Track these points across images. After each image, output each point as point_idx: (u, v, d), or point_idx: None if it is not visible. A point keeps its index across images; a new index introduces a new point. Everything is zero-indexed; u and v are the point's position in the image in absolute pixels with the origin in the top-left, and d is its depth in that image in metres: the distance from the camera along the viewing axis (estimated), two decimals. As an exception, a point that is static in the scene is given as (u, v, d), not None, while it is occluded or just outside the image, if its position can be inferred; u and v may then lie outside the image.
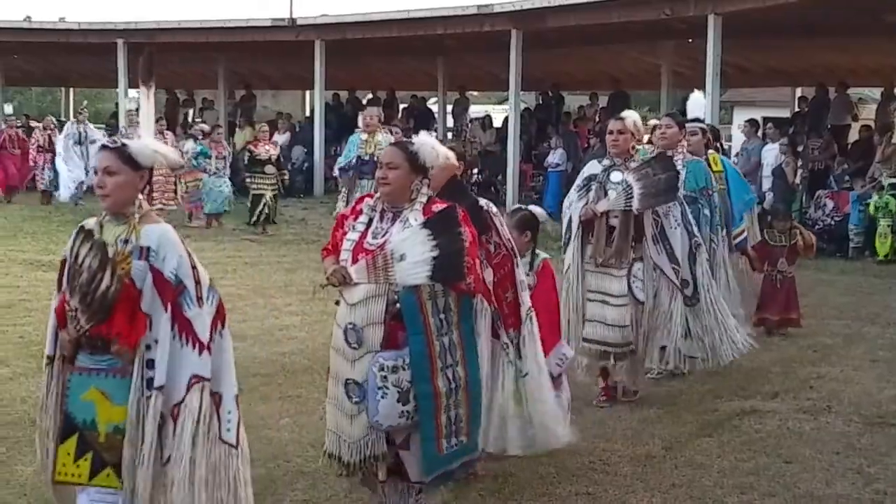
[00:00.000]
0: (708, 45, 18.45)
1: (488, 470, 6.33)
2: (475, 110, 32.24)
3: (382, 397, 5.11)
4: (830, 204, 18.19)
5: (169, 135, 21.14)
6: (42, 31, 29.39)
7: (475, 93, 36.29)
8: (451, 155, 5.61)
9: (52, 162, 23.15)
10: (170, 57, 29.92)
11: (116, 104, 29.61)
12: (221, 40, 27.33)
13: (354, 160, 13.71)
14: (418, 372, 5.14)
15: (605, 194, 7.72)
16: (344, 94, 30.27)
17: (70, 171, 22.31)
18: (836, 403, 8.22)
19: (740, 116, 34.10)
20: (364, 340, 5.16)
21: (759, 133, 21.30)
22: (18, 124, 25.87)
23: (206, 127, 22.00)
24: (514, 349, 5.97)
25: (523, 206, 7.22)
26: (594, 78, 29.04)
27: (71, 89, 38.85)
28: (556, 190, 21.28)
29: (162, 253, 4.53)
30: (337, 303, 5.34)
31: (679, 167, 8.19)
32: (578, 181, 8.05)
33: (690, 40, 21.75)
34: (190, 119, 25.74)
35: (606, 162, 7.90)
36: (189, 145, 20.10)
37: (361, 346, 5.16)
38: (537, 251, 6.82)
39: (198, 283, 4.58)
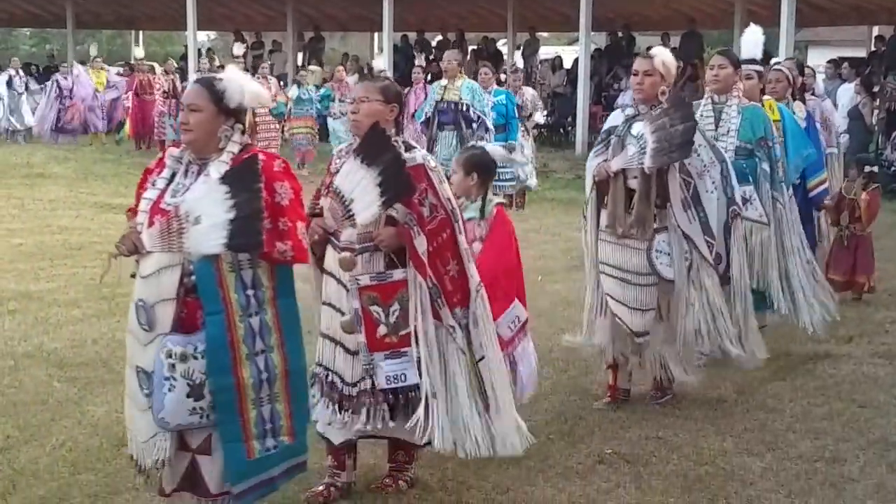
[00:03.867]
0: (783, -19, 18.09)
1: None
2: (545, 52, 31.97)
3: (169, 390, 4.35)
4: (907, 146, 17.80)
5: (273, 80, 20.99)
6: (112, -26, 29.53)
7: (545, 34, 35.98)
8: (263, 93, 4.75)
9: (178, 109, 22.61)
10: (238, -1, 30.07)
11: (185, 47, 29.68)
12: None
13: (430, 109, 13.47)
14: (215, 360, 4.37)
15: (623, 150, 6.55)
16: (412, 36, 30.14)
17: None
18: (912, 348, 8.07)
19: (815, 56, 33.52)
20: (155, 321, 4.39)
21: (838, 73, 20.97)
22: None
23: (315, 68, 21.75)
24: (463, 332, 5.10)
25: (477, 146, 6.46)
26: (666, 17, 28.62)
27: (140, 32, 39.04)
28: (626, 132, 21.05)
29: None
30: (133, 275, 4.57)
31: (734, 114, 7.35)
32: (600, 136, 6.95)
33: (765, -23, 21.36)
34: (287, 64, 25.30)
35: (630, 111, 6.75)
36: (294, 91, 19.95)
37: (153, 327, 4.40)
38: (489, 197, 5.94)
39: None
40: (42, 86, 25.70)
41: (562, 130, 25.37)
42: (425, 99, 14.72)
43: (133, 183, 4.97)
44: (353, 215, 4.88)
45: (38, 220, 13.79)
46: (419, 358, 5.01)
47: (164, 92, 23.24)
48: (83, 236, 12.32)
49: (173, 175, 4.58)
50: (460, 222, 5.20)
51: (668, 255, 6.49)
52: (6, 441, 6.00)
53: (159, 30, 42.46)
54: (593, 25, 22.54)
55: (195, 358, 4.36)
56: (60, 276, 10.20)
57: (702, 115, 7.36)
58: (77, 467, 5.58)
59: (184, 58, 28.19)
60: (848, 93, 19.09)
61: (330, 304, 5.19)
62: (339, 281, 5.13)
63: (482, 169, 5.88)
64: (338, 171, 5.04)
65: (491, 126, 13.35)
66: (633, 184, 6.49)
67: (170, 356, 4.34)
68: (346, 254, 5.01)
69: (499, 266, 5.75)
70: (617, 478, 5.65)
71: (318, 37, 31.27)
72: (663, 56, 6.60)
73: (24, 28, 49.39)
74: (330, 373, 5.17)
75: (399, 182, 4.90)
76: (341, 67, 21.74)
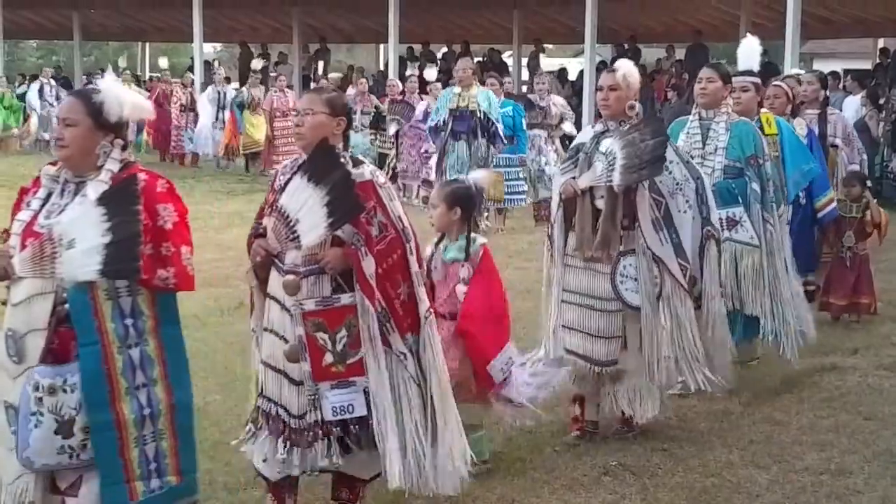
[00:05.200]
0: (788, -6, 18.09)
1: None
2: (551, 64, 32.02)
3: (35, 426, 4.03)
4: (913, 157, 17.73)
5: (290, 92, 20.88)
6: (118, -15, 29.61)
7: (551, 46, 36.04)
8: (146, 105, 4.47)
9: (195, 122, 22.46)
10: (244, 10, 30.12)
11: (192, 58, 29.74)
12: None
13: (446, 118, 13.40)
14: (91, 395, 4.05)
15: (591, 167, 6.20)
16: (418, 48, 30.18)
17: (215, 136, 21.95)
18: (917, 360, 8.04)
19: (820, 68, 33.50)
20: (24, 352, 4.10)
21: (841, 86, 20.95)
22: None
23: (336, 76, 21.67)
24: (414, 359, 4.88)
25: (462, 178, 6.13)
26: (671, 29, 28.70)
27: (147, 44, 39.13)
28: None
29: None
30: (3, 303, 4.28)
31: (722, 131, 7.06)
32: (568, 153, 6.64)
33: (770, -10, 21.39)
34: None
35: (599, 127, 6.39)
36: None
37: (22, 359, 4.11)
38: (474, 235, 5.70)
39: None
40: None
41: (567, 142, 25.38)
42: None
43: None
44: (297, 237, 4.64)
45: (45, 232, 13.79)
46: (367, 388, 4.75)
47: (182, 105, 23.07)
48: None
49: (49, 195, 4.29)
50: (412, 242, 4.90)
51: (634, 279, 6.12)
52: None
53: (166, 41, 42.55)
54: (598, 38, 22.51)
55: (65, 391, 4.05)
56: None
57: (688, 133, 7.19)
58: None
59: (190, 69, 28.18)
60: (853, 105, 19.09)
61: (272, 331, 4.89)
62: (282, 306, 4.83)
63: (465, 203, 5.66)
64: (282, 189, 4.79)
65: (503, 136, 13.34)
66: (601, 203, 6.16)
67: (37, 389, 4.03)
68: (290, 277, 4.74)
69: (490, 312, 5.60)
70: (622, 490, 5.66)
71: (323, 48, 31.34)
72: (625, 69, 6.32)
73: (31, 40, 49.52)
74: (275, 405, 4.86)
75: (348, 203, 4.65)
76: (364, 80, 21.65)
